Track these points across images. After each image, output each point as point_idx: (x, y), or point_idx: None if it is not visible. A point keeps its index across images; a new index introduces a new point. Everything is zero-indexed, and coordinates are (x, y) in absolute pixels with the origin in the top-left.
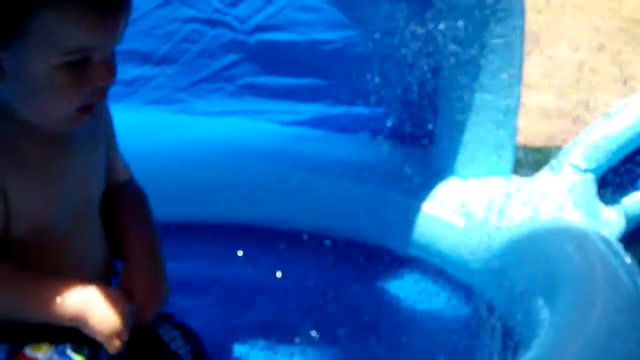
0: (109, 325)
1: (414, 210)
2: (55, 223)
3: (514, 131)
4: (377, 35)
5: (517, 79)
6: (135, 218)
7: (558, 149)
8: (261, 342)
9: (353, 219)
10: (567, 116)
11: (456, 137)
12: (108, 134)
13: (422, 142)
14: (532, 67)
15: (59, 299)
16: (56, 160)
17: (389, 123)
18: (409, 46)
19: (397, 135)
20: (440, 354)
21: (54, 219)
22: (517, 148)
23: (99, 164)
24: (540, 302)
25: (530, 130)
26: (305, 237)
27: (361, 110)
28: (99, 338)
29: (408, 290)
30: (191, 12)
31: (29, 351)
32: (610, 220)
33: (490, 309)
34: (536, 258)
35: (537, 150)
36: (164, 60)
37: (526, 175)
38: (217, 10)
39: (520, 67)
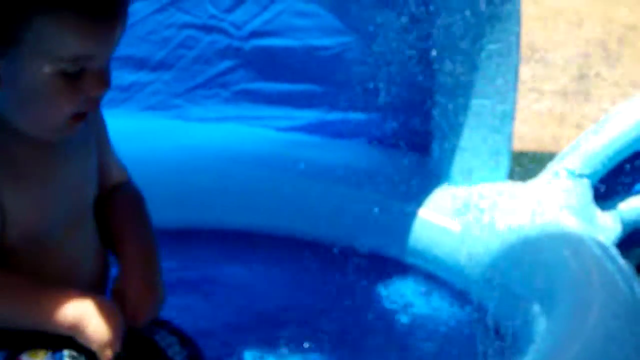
0: (103, 336)
1: (410, 216)
2: (49, 229)
3: (509, 137)
4: (373, 42)
5: (513, 85)
6: (130, 220)
7: (554, 154)
8: (257, 348)
9: (349, 224)
10: (563, 122)
11: (452, 142)
12: (101, 138)
13: (418, 148)
14: (528, 73)
15: (57, 309)
16: (50, 167)
17: (385, 129)
18: (405, 52)
19: (393, 141)
20: None
21: (48, 225)
22: (513, 154)
23: (92, 169)
24: (537, 307)
25: (526, 135)
26: (300, 243)
27: (357, 116)
28: (93, 348)
29: (403, 295)
30: (187, 18)
31: (25, 358)
32: (607, 226)
33: (487, 315)
34: (532, 264)
35: (533, 155)
36: (160, 66)
37: (522, 181)
38: (213, 16)
39: (516, 72)
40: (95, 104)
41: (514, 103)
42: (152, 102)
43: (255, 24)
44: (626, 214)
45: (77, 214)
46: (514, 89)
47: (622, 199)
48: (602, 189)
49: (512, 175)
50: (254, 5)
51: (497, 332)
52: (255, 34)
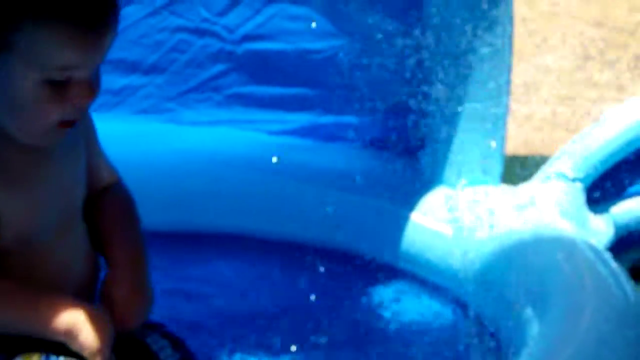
0: (93, 344)
1: (403, 219)
2: (40, 231)
3: (502, 140)
4: (365, 45)
5: (505, 88)
6: (119, 222)
7: (546, 158)
8: (248, 351)
9: (341, 228)
10: (555, 125)
11: (445, 146)
12: (90, 140)
13: (411, 151)
14: (520, 76)
15: (50, 317)
16: (41, 170)
17: (378, 132)
18: (397, 56)
19: (385, 145)
20: None
21: (39, 227)
22: (505, 157)
23: (82, 172)
24: (530, 311)
25: (519, 139)
26: (293, 246)
27: (350, 119)
28: (85, 354)
29: (396, 299)
30: (180, 22)
31: None
32: (599, 229)
33: (479, 318)
34: (525, 267)
35: (526, 159)
36: (153, 69)
37: (515, 184)
38: (205, 20)
39: (508, 76)
40: (82, 112)
41: (506, 106)
42: (144, 105)
43: (248, 27)
44: (618, 217)
45: (67, 216)
46: (507, 92)
47: (615, 202)
48: (595, 192)
49: (504, 179)
50: (246, 9)
51: (490, 335)
52: (247, 38)
